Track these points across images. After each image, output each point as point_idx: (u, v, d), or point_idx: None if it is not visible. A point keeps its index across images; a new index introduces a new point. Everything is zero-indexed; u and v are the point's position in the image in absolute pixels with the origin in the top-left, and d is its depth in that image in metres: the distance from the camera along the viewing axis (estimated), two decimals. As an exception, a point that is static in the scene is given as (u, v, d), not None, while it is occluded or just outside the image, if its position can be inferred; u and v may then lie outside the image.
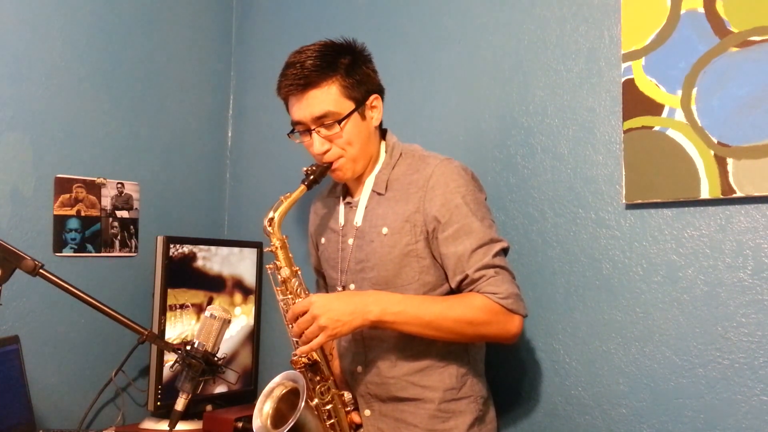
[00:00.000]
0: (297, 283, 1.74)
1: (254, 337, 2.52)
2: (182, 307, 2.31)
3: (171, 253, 2.27)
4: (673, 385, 1.76)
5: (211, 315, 1.83)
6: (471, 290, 1.66)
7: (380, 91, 1.81)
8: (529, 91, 2.01)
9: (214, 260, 2.40)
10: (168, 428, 1.83)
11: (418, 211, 1.71)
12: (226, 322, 1.85)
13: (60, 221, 2.23)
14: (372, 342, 1.76)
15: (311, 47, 1.74)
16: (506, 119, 2.05)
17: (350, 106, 1.72)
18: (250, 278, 2.51)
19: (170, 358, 2.11)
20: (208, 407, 2.32)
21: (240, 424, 2.14)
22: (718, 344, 1.70)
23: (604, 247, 1.87)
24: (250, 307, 2.51)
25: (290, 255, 1.76)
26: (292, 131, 1.79)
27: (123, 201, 2.39)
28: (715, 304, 1.71)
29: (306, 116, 1.72)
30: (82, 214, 2.28)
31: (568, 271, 1.92)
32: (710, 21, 1.71)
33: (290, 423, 1.58)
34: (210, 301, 2.36)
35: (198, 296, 2.35)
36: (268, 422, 1.66)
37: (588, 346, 1.88)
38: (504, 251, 1.70)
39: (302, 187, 1.75)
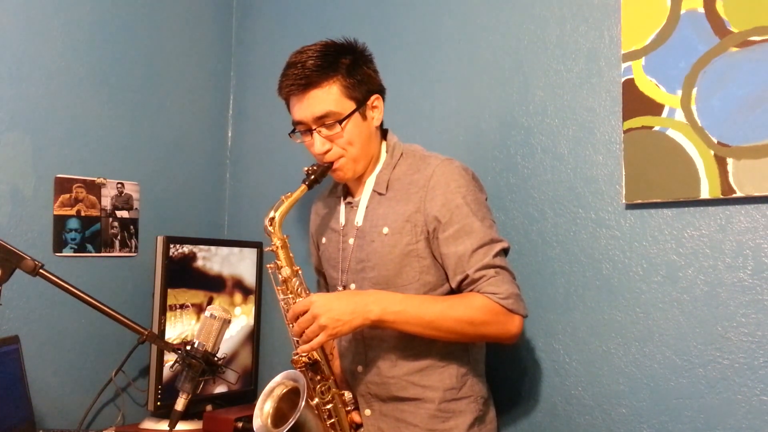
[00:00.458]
0: (298, 283, 1.74)
1: (254, 337, 2.52)
2: (182, 307, 2.31)
3: (171, 253, 2.27)
4: (673, 385, 1.76)
5: (211, 315, 1.83)
6: (471, 290, 1.66)
7: (381, 91, 1.81)
8: (529, 91, 2.02)
9: (214, 260, 2.40)
10: (168, 428, 1.83)
11: (418, 211, 1.71)
12: (226, 322, 1.85)
13: (60, 221, 2.23)
14: (372, 342, 1.76)
15: (312, 47, 1.74)
16: (506, 119, 2.05)
17: (351, 106, 1.73)
18: (250, 278, 2.51)
19: (170, 358, 2.11)
20: (208, 407, 2.32)
21: (240, 424, 2.14)
22: (718, 344, 1.70)
23: (604, 247, 1.87)
24: (250, 307, 2.51)
25: (291, 254, 1.76)
26: (293, 131, 1.80)
27: (123, 201, 2.39)
28: (715, 304, 1.71)
29: (307, 116, 1.72)
30: (82, 214, 2.28)
31: (568, 271, 1.92)
32: (710, 21, 1.71)
33: (291, 422, 1.58)
34: (210, 301, 2.36)
35: (198, 296, 2.35)
36: (269, 421, 1.66)
37: (588, 346, 1.89)
38: (504, 251, 1.70)
39: (303, 186, 1.75)
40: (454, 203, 1.68)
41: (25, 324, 2.12)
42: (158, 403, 2.22)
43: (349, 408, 1.79)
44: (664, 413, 1.77)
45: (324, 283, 1.98)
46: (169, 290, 2.26)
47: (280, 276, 1.75)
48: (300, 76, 1.70)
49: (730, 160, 1.67)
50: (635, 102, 1.81)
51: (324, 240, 1.89)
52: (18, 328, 2.08)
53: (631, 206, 1.83)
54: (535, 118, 2.00)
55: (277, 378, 1.70)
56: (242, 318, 2.48)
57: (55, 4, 2.24)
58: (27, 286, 2.06)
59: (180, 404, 1.80)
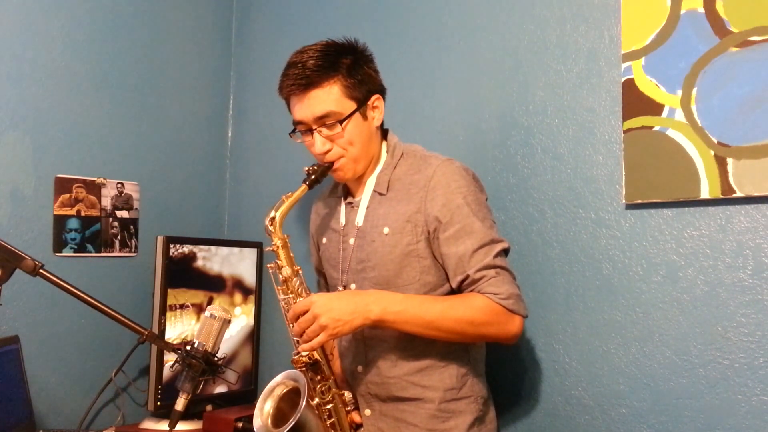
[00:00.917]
0: (298, 283, 1.74)
1: (254, 337, 2.52)
2: (182, 307, 2.31)
3: (171, 253, 2.27)
4: (673, 385, 1.76)
5: (211, 315, 1.83)
6: (472, 290, 1.66)
7: (382, 91, 1.81)
8: (529, 91, 2.02)
9: (214, 260, 2.40)
10: (168, 428, 1.83)
11: (419, 211, 1.71)
12: (226, 322, 1.85)
13: (60, 221, 2.23)
14: (372, 342, 1.76)
15: (313, 47, 1.74)
16: (506, 119, 2.05)
17: (352, 106, 1.73)
18: (250, 278, 2.51)
19: (170, 358, 2.12)
20: (208, 407, 2.32)
21: (240, 424, 2.14)
22: (718, 344, 1.70)
23: (604, 247, 1.87)
24: (250, 307, 2.51)
25: (291, 254, 1.76)
26: (294, 131, 1.80)
27: (123, 201, 2.39)
28: (715, 304, 1.71)
29: (307, 116, 1.72)
30: (82, 214, 2.28)
31: (568, 271, 1.92)
32: (710, 21, 1.71)
33: (291, 422, 1.58)
34: (210, 301, 2.36)
35: (198, 296, 2.35)
36: (269, 421, 1.66)
37: (588, 346, 1.89)
38: (505, 252, 1.70)
39: (303, 186, 1.75)
40: (455, 203, 1.68)
41: (25, 324, 2.12)
42: (158, 403, 2.22)
43: (349, 408, 1.79)
44: (664, 413, 1.77)
45: (324, 283, 1.99)
46: (169, 290, 2.26)
47: (280, 276, 1.75)
48: (300, 75, 1.70)
49: (730, 160, 1.67)
50: (635, 102, 1.81)
51: (324, 240, 1.89)
52: (18, 328, 2.08)
53: (631, 206, 1.83)
54: (535, 118, 2.00)
55: (278, 378, 1.70)
56: (242, 318, 2.48)
57: (55, 4, 2.24)
58: (27, 286, 2.07)
59: (180, 404, 1.80)
